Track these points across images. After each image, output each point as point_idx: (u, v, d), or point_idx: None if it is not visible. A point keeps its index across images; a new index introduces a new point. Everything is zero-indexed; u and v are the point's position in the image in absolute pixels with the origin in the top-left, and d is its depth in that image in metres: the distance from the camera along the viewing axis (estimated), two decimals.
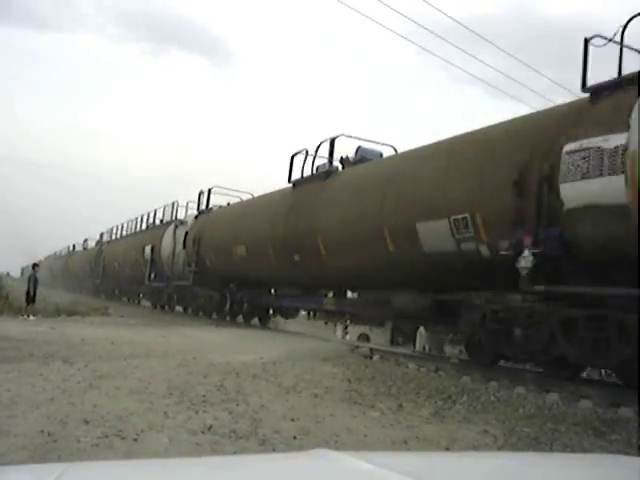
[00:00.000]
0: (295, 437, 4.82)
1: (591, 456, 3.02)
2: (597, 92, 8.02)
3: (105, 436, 4.36)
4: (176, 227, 24.62)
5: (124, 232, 36.00)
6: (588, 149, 7.40)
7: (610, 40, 8.14)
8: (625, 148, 6.99)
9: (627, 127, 7.03)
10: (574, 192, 7.61)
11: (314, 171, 15.21)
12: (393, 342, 21.89)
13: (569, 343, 7.99)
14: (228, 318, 20.44)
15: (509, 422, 5.99)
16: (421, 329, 16.99)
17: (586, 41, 8.26)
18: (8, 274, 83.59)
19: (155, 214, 29.89)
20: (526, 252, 8.05)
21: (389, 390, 7.50)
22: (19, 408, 5.05)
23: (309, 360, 9.69)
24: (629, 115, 7.05)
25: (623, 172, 6.98)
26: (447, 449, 4.81)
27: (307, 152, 15.50)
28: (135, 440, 4.36)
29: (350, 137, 15.25)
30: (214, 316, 20.95)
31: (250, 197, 20.66)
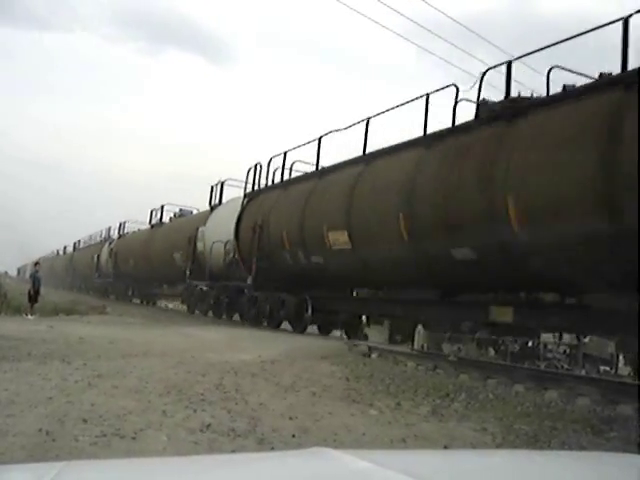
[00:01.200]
0: (294, 435, 4.83)
1: (590, 454, 3.03)
2: None
3: (103, 435, 4.36)
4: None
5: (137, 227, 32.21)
6: None
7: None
8: None
9: None
10: None
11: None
12: (391, 340, 21.88)
13: None
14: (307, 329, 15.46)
15: (507, 420, 6.00)
16: (419, 327, 16.96)
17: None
18: (6, 273, 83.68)
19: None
20: None
21: (387, 388, 7.50)
22: (17, 407, 5.05)
23: (308, 359, 9.69)
24: None
25: None
26: (445, 447, 4.82)
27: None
28: (133, 439, 4.36)
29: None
30: (288, 326, 16.18)
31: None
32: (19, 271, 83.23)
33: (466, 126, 10.12)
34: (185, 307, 24.36)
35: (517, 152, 8.67)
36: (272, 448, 4.39)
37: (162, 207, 28.34)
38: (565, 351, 16.90)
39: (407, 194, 10.39)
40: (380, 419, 5.76)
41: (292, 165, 15.91)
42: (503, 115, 9.28)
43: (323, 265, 13.34)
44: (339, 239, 12.31)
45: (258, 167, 17.25)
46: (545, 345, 16.62)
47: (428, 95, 10.92)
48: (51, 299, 23.26)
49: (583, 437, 5.47)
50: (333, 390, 7.10)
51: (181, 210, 27.18)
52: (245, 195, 18.00)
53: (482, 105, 10.06)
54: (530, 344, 16.41)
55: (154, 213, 29.12)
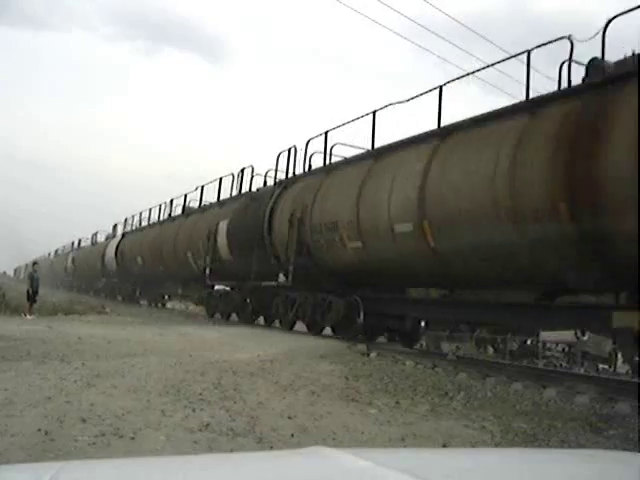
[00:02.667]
0: (292, 435, 4.83)
1: (589, 452, 3.03)
2: None
3: (102, 435, 4.36)
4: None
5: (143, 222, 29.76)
6: None
7: None
8: None
9: None
10: None
11: None
12: (390, 339, 21.84)
13: None
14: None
15: (506, 418, 6.01)
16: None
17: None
18: (5, 273, 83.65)
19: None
20: None
21: (386, 387, 7.51)
22: (16, 407, 5.05)
23: (307, 358, 9.70)
24: None
25: None
26: (444, 446, 4.82)
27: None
28: (132, 438, 4.36)
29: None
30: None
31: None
32: (15, 271, 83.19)
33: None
34: (203, 310, 22.39)
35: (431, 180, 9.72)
36: (271, 447, 4.39)
37: (171, 201, 26.06)
38: (564, 349, 16.92)
39: (507, 172, 8.45)
40: (379, 418, 5.76)
41: (332, 148, 14.12)
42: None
43: (386, 261, 11.29)
44: (406, 231, 10.32)
45: (292, 151, 15.47)
46: (544, 343, 16.65)
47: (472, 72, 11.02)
48: (50, 299, 23.22)
49: (582, 435, 5.48)
50: (332, 389, 7.10)
51: (188, 205, 24.39)
52: (277, 183, 16.13)
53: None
54: (529, 342, 16.46)
55: (163, 207, 26.99)
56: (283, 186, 15.47)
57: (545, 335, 14.56)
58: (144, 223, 30.34)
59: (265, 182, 17.35)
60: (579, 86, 8.36)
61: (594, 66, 8.32)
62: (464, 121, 10.13)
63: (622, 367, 13.92)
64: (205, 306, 21.57)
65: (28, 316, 15.98)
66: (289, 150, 15.64)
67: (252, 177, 18.17)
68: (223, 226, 17.85)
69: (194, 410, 5.37)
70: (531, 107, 8.80)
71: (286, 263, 14.04)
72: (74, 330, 12.00)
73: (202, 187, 22.34)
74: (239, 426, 4.93)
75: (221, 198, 20.32)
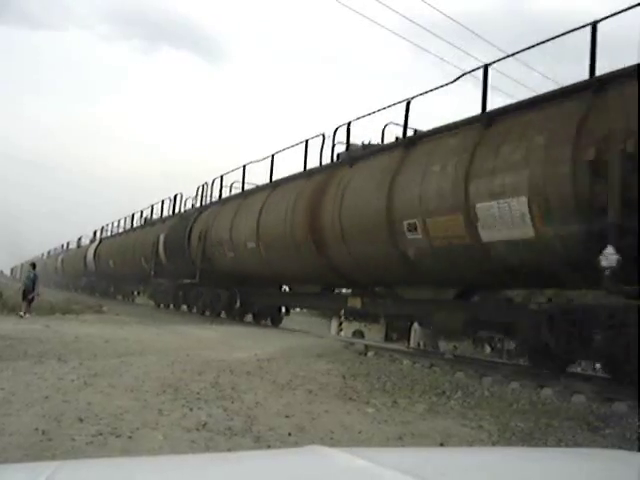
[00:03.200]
0: (290, 434, 4.83)
1: (586, 450, 3.03)
2: None
3: (100, 434, 4.36)
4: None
5: (119, 229, 35.25)
6: None
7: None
8: None
9: None
10: None
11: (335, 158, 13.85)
12: (387, 338, 21.92)
13: None
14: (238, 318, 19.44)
15: (503, 417, 6.02)
16: (415, 325, 17.01)
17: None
18: (2, 272, 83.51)
19: (152, 210, 29.23)
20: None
21: (384, 386, 7.51)
22: (13, 407, 5.04)
23: (304, 357, 9.70)
24: None
25: None
26: (442, 445, 4.83)
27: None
28: (130, 438, 4.36)
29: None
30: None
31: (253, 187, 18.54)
32: (12, 271, 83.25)
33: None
34: (152, 302, 28.22)
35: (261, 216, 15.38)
36: (268, 446, 4.39)
37: (133, 215, 31.82)
38: None
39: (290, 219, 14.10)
40: (376, 417, 5.77)
41: (231, 185, 20.02)
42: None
43: (246, 266, 17.06)
44: (253, 247, 15.91)
45: (206, 186, 22.02)
46: None
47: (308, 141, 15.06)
48: (47, 298, 23.17)
49: (579, 434, 5.49)
50: (329, 388, 7.10)
51: (146, 219, 30.06)
52: (196, 208, 22.41)
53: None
54: None
55: (129, 219, 32.89)
56: (199, 211, 21.39)
57: None
58: (120, 229, 35.71)
59: (220, 195, 21.30)
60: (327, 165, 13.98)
61: (338, 154, 13.75)
62: (283, 178, 16.08)
63: None
64: (152, 298, 27.82)
65: (26, 315, 15.93)
66: (202, 185, 22.33)
67: (183, 201, 24.76)
68: (162, 237, 23.63)
69: (191, 409, 5.37)
70: (308, 175, 14.43)
71: (197, 266, 19.68)
72: (71, 329, 11.99)
73: (152, 205, 29.03)
74: (236, 425, 4.93)
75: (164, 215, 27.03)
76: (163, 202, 27.33)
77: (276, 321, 19.45)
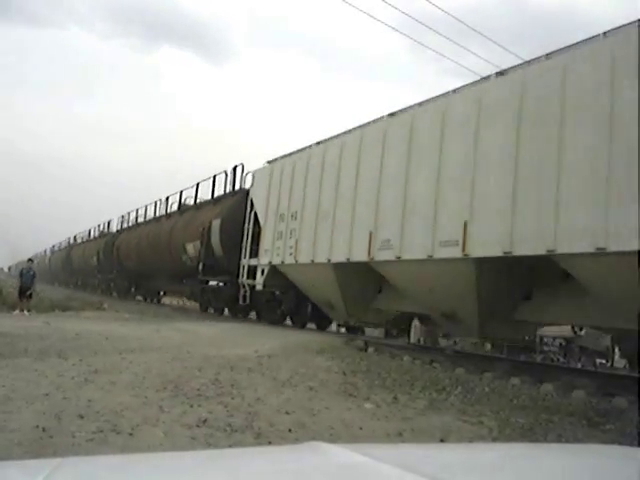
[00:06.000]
0: (290, 430, 4.83)
1: (587, 446, 3.03)
2: None
3: (100, 431, 4.36)
4: None
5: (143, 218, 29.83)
6: None
7: None
8: None
9: None
10: None
11: None
12: (388, 334, 21.91)
13: None
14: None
15: (503, 413, 6.02)
16: (415, 321, 17.02)
17: None
18: (2, 269, 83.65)
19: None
20: None
21: (384, 382, 7.52)
22: (14, 404, 5.04)
23: (304, 353, 9.71)
24: None
25: None
26: (442, 441, 4.82)
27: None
28: (130, 434, 4.36)
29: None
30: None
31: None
32: (9, 269, 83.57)
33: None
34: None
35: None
36: (269, 443, 4.39)
37: (167, 198, 26.70)
38: (561, 344, 16.98)
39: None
40: (377, 413, 5.77)
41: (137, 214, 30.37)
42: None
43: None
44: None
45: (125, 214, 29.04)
46: (541, 338, 16.70)
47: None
48: (47, 295, 23.19)
49: (579, 430, 5.50)
50: (330, 384, 7.10)
51: (181, 204, 24.61)
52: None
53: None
54: (526, 337, 16.48)
55: (158, 204, 27.75)
56: (119, 233, 33.77)
57: (543, 330, 14.61)
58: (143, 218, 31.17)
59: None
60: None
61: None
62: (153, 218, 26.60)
63: (619, 362, 13.96)
64: (198, 300, 22.79)
65: (25, 312, 15.92)
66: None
67: (243, 175, 19.64)
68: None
69: (192, 406, 5.37)
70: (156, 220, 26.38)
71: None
72: (71, 326, 11.98)
73: (181, 191, 25.01)
74: (237, 422, 4.93)
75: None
76: (198, 185, 22.84)
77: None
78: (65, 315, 16.55)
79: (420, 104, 10.81)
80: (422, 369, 8.86)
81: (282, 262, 14.42)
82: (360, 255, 11.34)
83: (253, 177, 17.27)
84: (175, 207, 25.23)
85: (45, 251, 65.29)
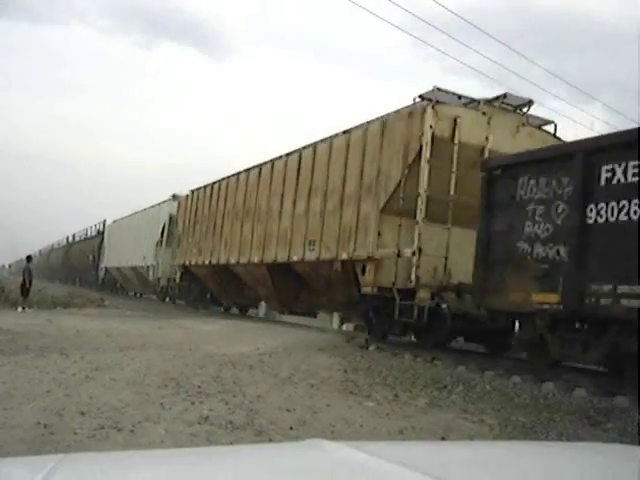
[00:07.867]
0: (291, 428, 4.83)
1: (588, 445, 3.03)
2: None
3: (101, 427, 4.36)
4: None
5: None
6: None
7: None
8: None
9: None
10: None
11: None
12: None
13: None
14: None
15: (505, 411, 6.02)
16: None
17: None
18: (3, 266, 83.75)
19: None
20: None
21: (385, 380, 7.52)
22: (15, 400, 5.05)
23: (305, 351, 9.71)
24: None
25: None
26: (443, 439, 4.83)
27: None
28: (131, 431, 4.36)
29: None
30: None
31: None
32: (10, 266, 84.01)
33: None
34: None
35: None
36: (270, 440, 4.39)
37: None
38: None
39: None
40: (378, 411, 5.77)
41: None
42: None
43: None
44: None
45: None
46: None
47: None
48: (48, 292, 23.21)
49: (580, 428, 5.49)
50: (331, 382, 7.11)
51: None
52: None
53: None
54: None
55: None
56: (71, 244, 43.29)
57: None
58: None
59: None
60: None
61: None
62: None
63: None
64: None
65: (26, 309, 15.93)
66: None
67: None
68: None
69: (193, 403, 5.37)
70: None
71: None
72: (73, 323, 12.01)
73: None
74: (238, 419, 4.93)
75: None
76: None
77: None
78: (67, 312, 16.57)
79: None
80: (423, 367, 8.86)
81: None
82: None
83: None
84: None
85: (48, 246, 65.82)
